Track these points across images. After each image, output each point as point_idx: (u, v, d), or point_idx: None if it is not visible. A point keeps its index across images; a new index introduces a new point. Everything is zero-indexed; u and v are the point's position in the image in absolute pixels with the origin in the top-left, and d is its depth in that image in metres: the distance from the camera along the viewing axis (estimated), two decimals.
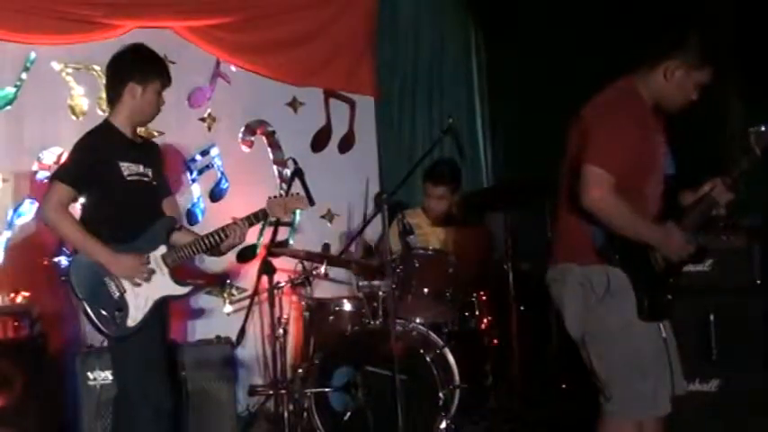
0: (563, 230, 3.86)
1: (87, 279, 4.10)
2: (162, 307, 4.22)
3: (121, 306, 4.08)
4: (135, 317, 4.09)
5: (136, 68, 4.23)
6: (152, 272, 4.15)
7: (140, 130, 4.58)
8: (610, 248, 3.67)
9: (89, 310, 4.08)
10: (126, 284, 4.11)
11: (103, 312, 4.08)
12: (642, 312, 3.65)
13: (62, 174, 4.19)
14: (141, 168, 4.24)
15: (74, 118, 6.07)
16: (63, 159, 5.92)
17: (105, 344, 5.27)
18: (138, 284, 4.12)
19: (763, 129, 3.70)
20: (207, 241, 4.29)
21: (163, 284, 4.19)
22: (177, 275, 4.25)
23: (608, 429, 3.78)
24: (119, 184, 4.14)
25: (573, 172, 3.68)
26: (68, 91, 6.07)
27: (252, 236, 5.12)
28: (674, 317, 3.80)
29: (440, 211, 5.98)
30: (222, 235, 4.30)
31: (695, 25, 3.85)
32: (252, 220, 4.42)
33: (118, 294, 4.10)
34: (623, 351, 3.68)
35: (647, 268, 3.69)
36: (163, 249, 4.21)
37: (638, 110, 3.74)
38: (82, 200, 4.24)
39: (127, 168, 4.17)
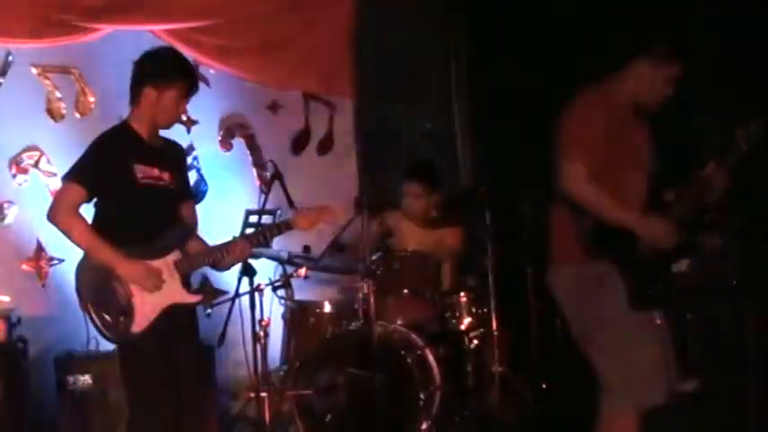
0: (555, 231, 3.94)
1: (94, 282, 3.95)
2: (175, 313, 4.02)
3: (127, 311, 3.92)
4: (140, 323, 3.92)
5: (154, 72, 4.05)
6: (162, 282, 3.97)
7: None
8: (596, 243, 3.74)
9: (93, 314, 3.95)
10: (134, 290, 3.93)
11: (107, 317, 3.93)
12: (633, 301, 3.72)
13: (73, 174, 4.02)
14: (156, 172, 4.06)
15: (52, 121, 6.05)
16: (42, 161, 5.92)
17: (86, 348, 5.32)
18: (148, 291, 3.96)
19: (749, 125, 3.77)
20: (211, 256, 4.14)
21: (173, 292, 4.01)
22: (189, 283, 4.11)
23: (609, 423, 3.83)
24: (132, 188, 3.98)
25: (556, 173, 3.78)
26: (46, 94, 6.04)
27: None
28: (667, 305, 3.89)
29: (417, 210, 5.98)
30: (225, 252, 4.13)
31: (657, 25, 3.96)
32: (274, 231, 4.28)
33: (125, 299, 3.93)
34: (620, 343, 3.76)
35: (635, 258, 3.76)
36: (176, 255, 4.03)
37: (611, 108, 3.85)
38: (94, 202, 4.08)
39: (141, 171, 4.00)
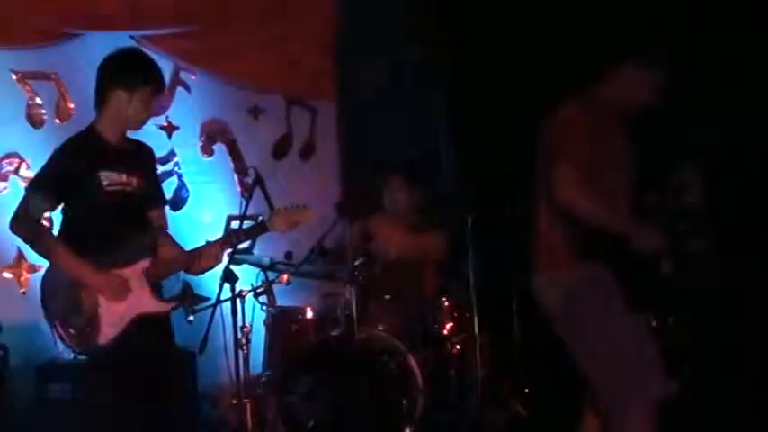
0: (543, 235, 3.93)
1: (60, 292, 3.91)
2: (146, 323, 3.96)
3: (93, 321, 3.87)
4: (107, 333, 3.87)
5: (123, 74, 3.99)
6: (128, 291, 3.93)
7: None
8: (590, 246, 3.74)
9: (58, 325, 3.90)
10: (101, 300, 3.89)
11: (72, 328, 3.88)
12: (628, 303, 3.73)
13: (35, 183, 4.02)
14: (124, 178, 4.00)
15: (32, 127, 6.03)
16: (23, 168, 5.90)
17: (66, 356, 5.29)
18: (115, 301, 3.91)
19: (722, 131, 3.81)
20: (183, 261, 4.09)
21: (142, 300, 3.95)
22: (158, 291, 4.05)
23: (625, 427, 3.83)
24: (97, 195, 3.93)
25: (545, 178, 3.78)
26: (26, 100, 6.01)
27: None
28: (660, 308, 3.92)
29: (399, 205, 6.00)
30: (196, 257, 4.08)
31: (643, 32, 3.98)
32: (248, 234, 4.28)
33: (91, 309, 3.88)
34: (619, 346, 3.76)
35: (627, 261, 3.76)
36: (145, 264, 3.97)
37: (600, 114, 3.85)
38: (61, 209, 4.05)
39: (107, 178, 3.94)
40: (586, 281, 3.76)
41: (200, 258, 4.09)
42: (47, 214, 4.12)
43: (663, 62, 3.87)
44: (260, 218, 4.38)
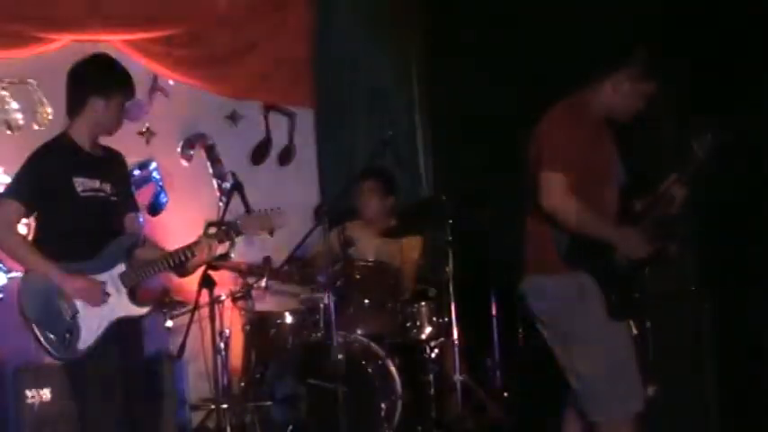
0: (531, 242, 3.95)
1: (38, 299, 3.89)
2: (122, 328, 3.96)
3: (72, 328, 3.86)
4: (86, 339, 3.87)
5: (99, 81, 4.01)
6: (107, 294, 3.92)
7: None
8: (575, 254, 3.76)
9: (37, 332, 3.88)
10: (79, 305, 3.88)
11: (52, 335, 3.87)
12: (612, 311, 3.75)
13: (10, 190, 4.02)
14: (98, 184, 4.01)
15: (9, 133, 6.00)
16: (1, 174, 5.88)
17: (45, 361, 5.27)
18: (94, 306, 3.90)
19: (706, 135, 3.84)
20: (172, 259, 4.05)
21: (119, 305, 3.94)
22: (136, 295, 4.01)
23: None
24: (72, 201, 3.93)
25: (534, 184, 3.78)
26: (3, 106, 5.99)
27: None
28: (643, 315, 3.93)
29: (372, 209, 5.99)
30: (189, 253, 4.05)
31: (641, 40, 3.99)
32: (221, 236, 4.20)
33: (70, 316, 3.87)
34: (605, 353, 3.77)
35: (611, 269, 3.78)
36: (121, 268, 3.96)
37: (588, 120, 3.87)
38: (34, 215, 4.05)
39: (81, 184, 3.95)
40: (574, 287, 3.77)
41: (194, 255, 4.06)
42: (23, 221, 4.10)
43: (654, 72, 3.89)
44: (238, 222, 4.37)
